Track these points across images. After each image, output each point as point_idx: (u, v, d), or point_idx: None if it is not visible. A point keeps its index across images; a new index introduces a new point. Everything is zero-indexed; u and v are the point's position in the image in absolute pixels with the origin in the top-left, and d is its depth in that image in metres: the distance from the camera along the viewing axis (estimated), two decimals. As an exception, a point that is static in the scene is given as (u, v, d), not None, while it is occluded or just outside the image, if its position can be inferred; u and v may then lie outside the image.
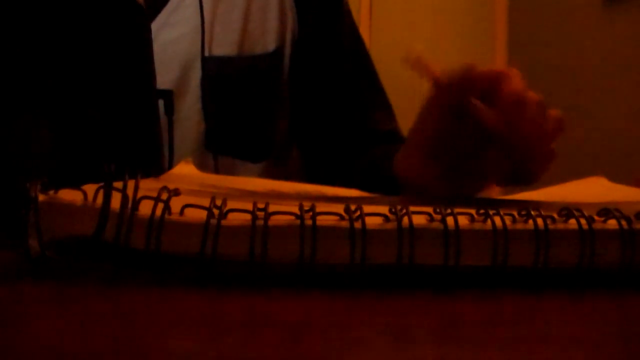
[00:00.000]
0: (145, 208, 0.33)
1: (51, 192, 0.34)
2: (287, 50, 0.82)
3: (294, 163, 0.89)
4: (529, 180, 0.52)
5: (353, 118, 0.85)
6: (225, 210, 0.33)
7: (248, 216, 0.33)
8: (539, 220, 0.34)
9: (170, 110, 0.75)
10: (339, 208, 0.34)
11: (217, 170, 0.77)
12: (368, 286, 0.33)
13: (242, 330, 0.26)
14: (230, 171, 0.78)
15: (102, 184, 0.34)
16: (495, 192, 0.57)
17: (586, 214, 0.35)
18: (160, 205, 0.33)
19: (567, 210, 0.35)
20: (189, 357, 0.23)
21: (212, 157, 0.77)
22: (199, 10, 0.76)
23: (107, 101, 0.72)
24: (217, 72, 0.77)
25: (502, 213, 0.34)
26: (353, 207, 0.34)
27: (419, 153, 0.55)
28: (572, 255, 0.34)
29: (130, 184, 0.34)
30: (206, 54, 0.77)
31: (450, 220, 0.33)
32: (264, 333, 0.26)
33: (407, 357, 0.23)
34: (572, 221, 0.34)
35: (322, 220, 0.33)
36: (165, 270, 0.33)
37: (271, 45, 0.81)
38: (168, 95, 0.75)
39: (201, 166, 0.70)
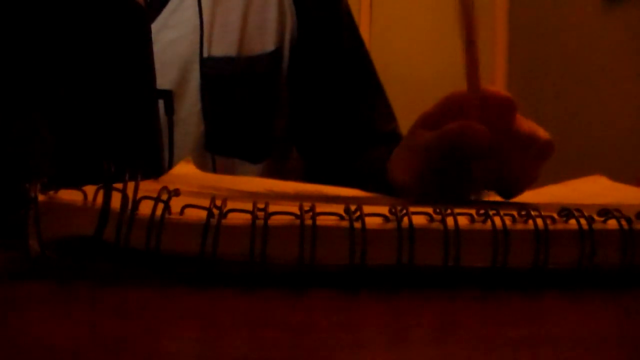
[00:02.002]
0: (145, 208, 0.33)
1: (51, 192, 0.34)
2: (286, 50, 0.82)
3: (293, 163, 0.89)
4: (510, 196, 0.52)
5: (353, 118, 0.85)
6: (225, 210, 0.33)
7: (248, 216, 0.33)
8: (539, 221, 0.34)
9: (170, 110, 0.75)
10: (339, 208, 0.34)
11: (216, 171, 0.77)
12: (368, 286, 0.33)
13: (242, 330, 0.26)
14: (230, 171, 0.78)
15: (102, 184, 0.34)
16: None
17: (586, 214, 0.35)
18: (160, 206, 0.33)
19: (567, 211, 0.35)
20: (189, 357, 0.23)
21: (212, 158, 0.77)
22: (198, 12, 0.76)
23: (108, 101, 0.72)
24: (216, 73, 0.77)
25: (502, 213, 0.34)
26: (353, 207, 0.34)
27: (408, 163, 0.54)
28: (572, 255, 0.34)
29: (130, 184, 0.34)
30: (205, 54, 0.77)
31: (450, 220, 0.33)
32: (263, 333, 0.26)
33: (406, 357, 0.23)
34: (572, 221, 0.34)
35: (322, 220, 0.33)
36: (165, 270, 0.33)
37: (270, 46, 0.81)
38: (168, 96, 0.75)
39: (201, 166, 0.70)
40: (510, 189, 0.51)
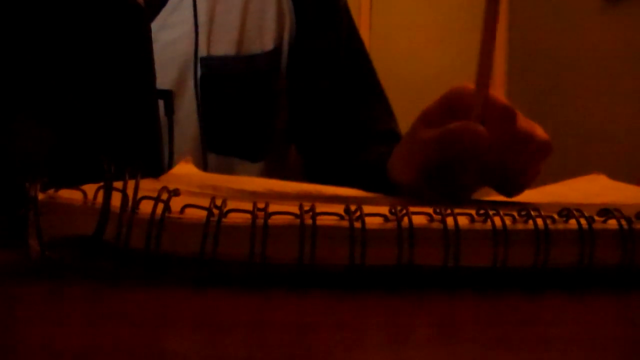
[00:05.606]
0: (145, 208, 0.33)
1: (51, 192, 0.34)
2: (285, 49, 0.82)
3: (293, 162, 0.89)
4: (513, 194, 0.52)
5: (351, 117, 0.85)
6: (225, 210, 0.33)
7: (248, 216, 0.33)
8: (539, 221, 0.34)
9: (170, 110, 0.75)
10: (339, 208, 0.34)
11: (216, 170, 0.77)
12: (368, 286, 0.33)
13: (242, 330, 0.26)
14: (229, 171, 0.78)
15: (102, 183, 0.34)
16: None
17: (586, 214, 0.35)
18: (161, 205, 0.33)
19: (567, 211, 0.35)
20: (188, 357, 0.23)
21: (212, 157, 0.77)
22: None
23: (108, 101, 0.72)
24: (215, 72, 0.77)
25: (502, 213, 0.34)
26: (353, 207, 0.34)
27: (409, 159, 0.54)
28: (572, 255, 0.34)
29: (130, 184, 0.34)
30: (204, 54, 0.77)
31: (450, 220, 0.33)
32: (263, 333, 0.26)
33: (406, 357, 0.23)
34: (572, 221, 0.34)
35: (322, 220, 0.33)
36: (165, 270, 0.33)
37: (269, 45, 0.81)
38: (168, 96, 0.75)
39: (200, 166, 0.70)
40: (509, 188, 0.52)
